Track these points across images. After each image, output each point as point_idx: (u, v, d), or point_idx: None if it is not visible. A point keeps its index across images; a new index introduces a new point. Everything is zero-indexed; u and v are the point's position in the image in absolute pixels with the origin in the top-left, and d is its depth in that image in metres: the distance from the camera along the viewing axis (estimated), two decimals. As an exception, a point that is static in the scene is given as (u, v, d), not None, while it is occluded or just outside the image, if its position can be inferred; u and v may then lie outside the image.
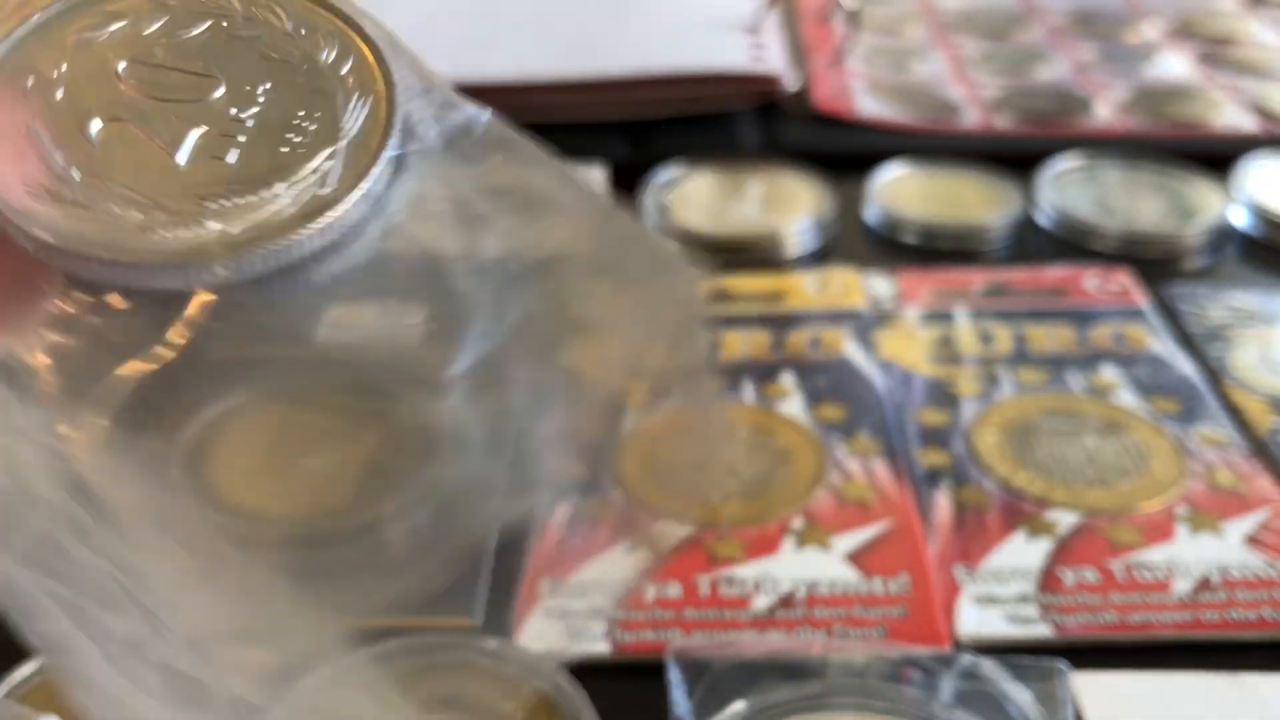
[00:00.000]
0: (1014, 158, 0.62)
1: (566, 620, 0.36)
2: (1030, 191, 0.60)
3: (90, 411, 0.18)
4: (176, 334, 0.19)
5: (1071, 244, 0.57)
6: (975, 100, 0.70)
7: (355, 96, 0.20)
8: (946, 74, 0.75)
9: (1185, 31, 0.81)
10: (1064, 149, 0.63)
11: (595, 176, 0.62)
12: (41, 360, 0.19)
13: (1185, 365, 0.47)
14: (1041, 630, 0.35)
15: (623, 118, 0.66)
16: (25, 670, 0.32)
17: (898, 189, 0.60)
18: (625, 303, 0.21)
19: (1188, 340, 0.49)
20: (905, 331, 0.50)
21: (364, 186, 0.19)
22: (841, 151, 0.65)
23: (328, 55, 0.21)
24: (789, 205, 0.59)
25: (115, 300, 0.19)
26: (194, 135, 0.19)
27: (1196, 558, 0.37)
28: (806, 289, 0.53)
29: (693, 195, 0.60)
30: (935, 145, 0.64)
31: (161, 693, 0.17)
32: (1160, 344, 0.48)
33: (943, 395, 0.46)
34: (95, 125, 0.19)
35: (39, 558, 0.17)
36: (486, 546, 0.38)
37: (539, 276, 0.20)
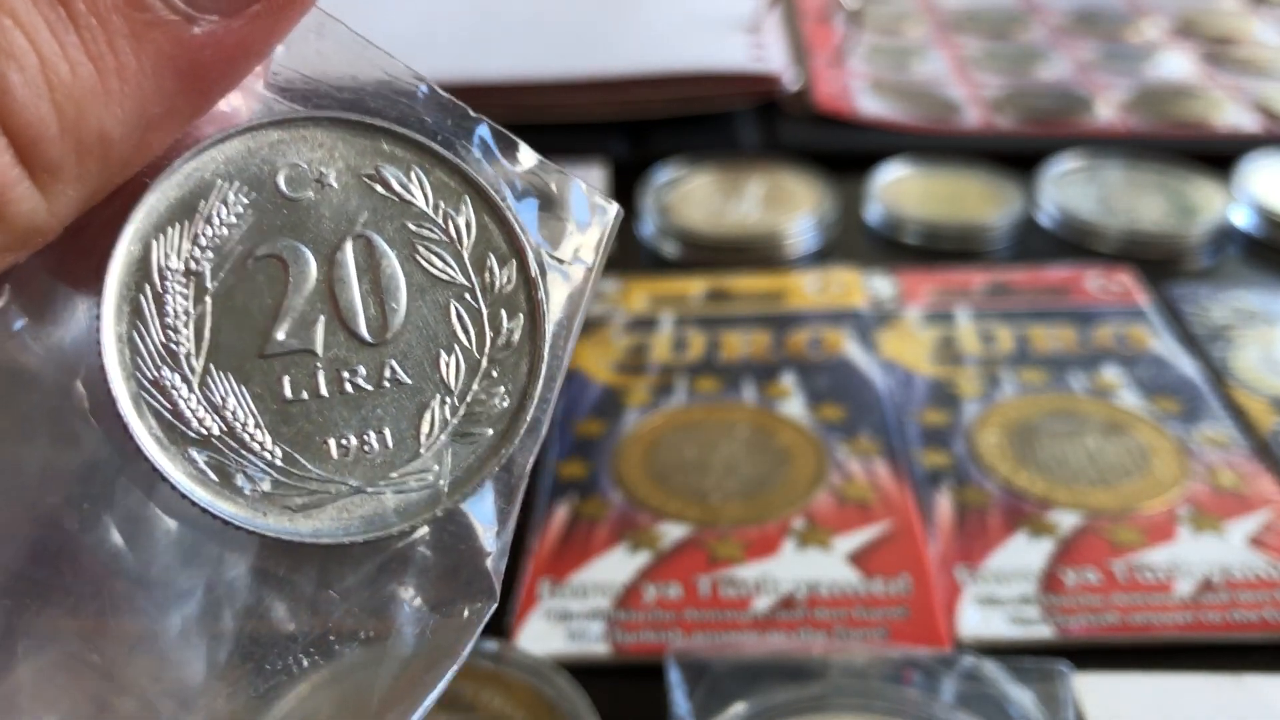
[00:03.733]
0: (1015, 157, 0.62)
1: (566, 621, 0.36)
2: (1032, 191, 0.60)
3: None
4: None
5: (1073, 244, 0.57)
6: (976, 99, 0.70)
7: None
8: (948, 73, 0.75)
9: (1187, 31, 0.81)
10: (1065, 148, 0.63)
11: (595, 176, 0.62)
12: None
13: (1187, 365, 0.47)
14: (1043, 631, 0.35)
15: (623, 118, 0.66)
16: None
17: (899, 188, 0.60)
18: None
19: (1190, 340, 0.49)
20: (906, 332, 0.50)
21: None
22: (842, 151, 0.64)
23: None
24: (789, 205, 0.59)
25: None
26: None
27: (1199, 558, 0.37)
28: (807, 289, 0.53)
29: (693, 195, 0.60)
30: (936, 145, 0.64)
31: None
32: (1162, 344, 0.48)
33: (944, 395, 0.46)
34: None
35: None
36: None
37: None
